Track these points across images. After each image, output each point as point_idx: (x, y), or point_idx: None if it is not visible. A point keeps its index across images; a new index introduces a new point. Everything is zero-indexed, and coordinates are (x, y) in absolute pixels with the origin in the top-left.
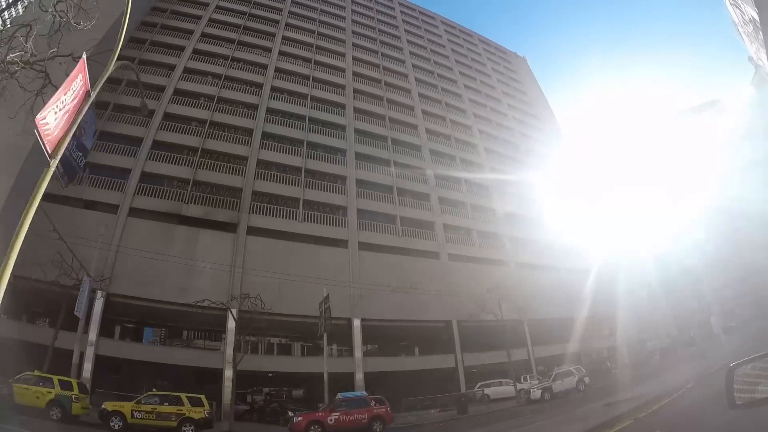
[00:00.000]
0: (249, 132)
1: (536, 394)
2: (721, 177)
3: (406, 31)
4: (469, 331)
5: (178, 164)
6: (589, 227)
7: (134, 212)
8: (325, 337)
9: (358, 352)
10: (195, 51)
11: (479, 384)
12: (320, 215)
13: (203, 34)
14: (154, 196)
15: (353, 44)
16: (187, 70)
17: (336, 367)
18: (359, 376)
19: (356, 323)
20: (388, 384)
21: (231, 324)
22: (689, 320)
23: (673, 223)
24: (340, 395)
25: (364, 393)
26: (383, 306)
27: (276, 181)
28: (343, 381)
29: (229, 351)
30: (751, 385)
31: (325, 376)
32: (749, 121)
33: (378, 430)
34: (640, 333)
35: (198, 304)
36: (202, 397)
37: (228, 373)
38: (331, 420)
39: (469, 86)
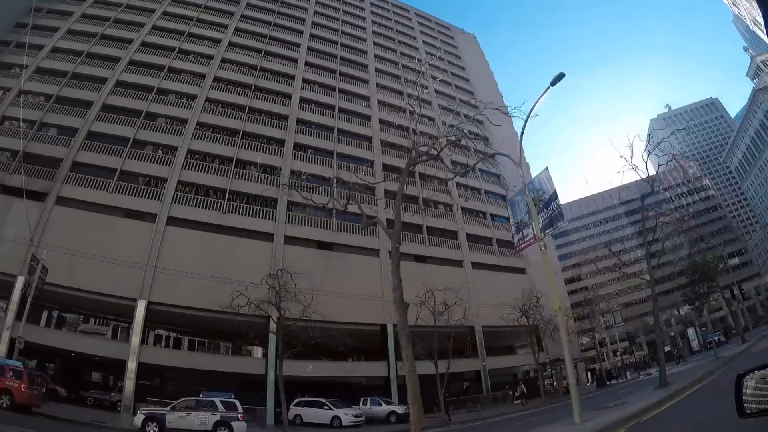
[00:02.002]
0: (89, 104)
1: (138, 419)
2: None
3: (317, 3)
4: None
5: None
6: None
7: None
8: (28, 303)
9: (135, 338)
10: (69, 31)
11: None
12: (133, 186)
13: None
14: None
15: (248, 3)
16: (55, 49)
17: (109, 352)
18: (131, 366)
19: (140, 306)
20: (182, 381)
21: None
22: (672, 331)
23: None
24: None
25: (11, 361)
26: (188, 292)
27: (96, 151)
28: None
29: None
30: (761, 394)
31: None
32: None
33: (4, 405)
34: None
35: None
36: None
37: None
38: None
39: (382, 57)
